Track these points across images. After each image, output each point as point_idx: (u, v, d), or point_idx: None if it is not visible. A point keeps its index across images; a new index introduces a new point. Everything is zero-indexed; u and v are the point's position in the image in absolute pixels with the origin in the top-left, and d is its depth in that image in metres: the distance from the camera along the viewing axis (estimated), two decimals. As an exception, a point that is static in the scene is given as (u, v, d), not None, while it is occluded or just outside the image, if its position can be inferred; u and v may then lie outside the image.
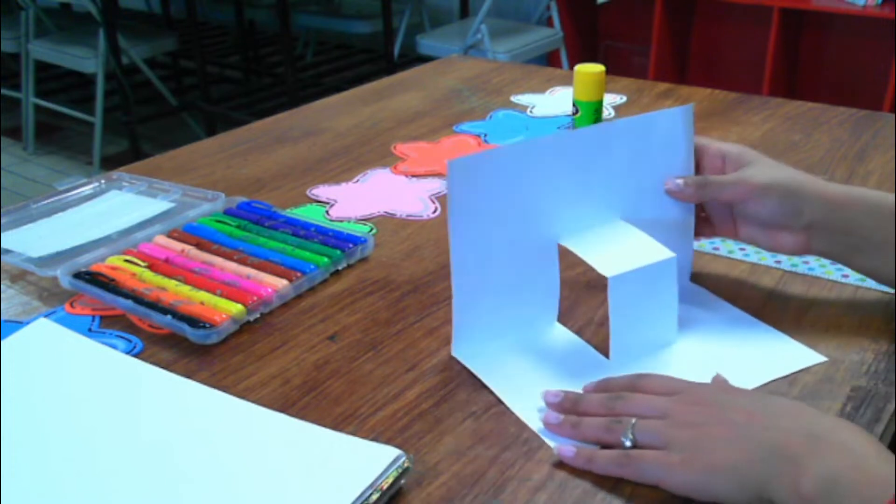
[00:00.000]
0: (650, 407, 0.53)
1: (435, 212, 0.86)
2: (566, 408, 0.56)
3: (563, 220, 0.64)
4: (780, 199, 0.62)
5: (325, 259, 0.73)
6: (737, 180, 0.64)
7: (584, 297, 0.69)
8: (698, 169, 0.67)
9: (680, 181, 0.65)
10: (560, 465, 0.52)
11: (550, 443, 0.54)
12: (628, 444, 0.51)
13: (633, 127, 0.65)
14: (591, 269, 0.60)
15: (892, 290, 0.68)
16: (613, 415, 0.53)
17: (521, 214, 0.62)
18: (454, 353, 0.62)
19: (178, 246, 0.76)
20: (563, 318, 0.67)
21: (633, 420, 0.52)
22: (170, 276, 0.71)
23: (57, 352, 0.63)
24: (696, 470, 0.48)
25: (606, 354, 0.62)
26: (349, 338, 0.65)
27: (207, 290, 0.68)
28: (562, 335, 0.65)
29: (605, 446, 0.53)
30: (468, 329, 0.62)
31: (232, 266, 0.72)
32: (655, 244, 0.63)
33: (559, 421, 0.54)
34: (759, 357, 0.62)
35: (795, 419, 0.49)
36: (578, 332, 0.65)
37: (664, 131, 0.66)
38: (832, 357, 0.61)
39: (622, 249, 0.63)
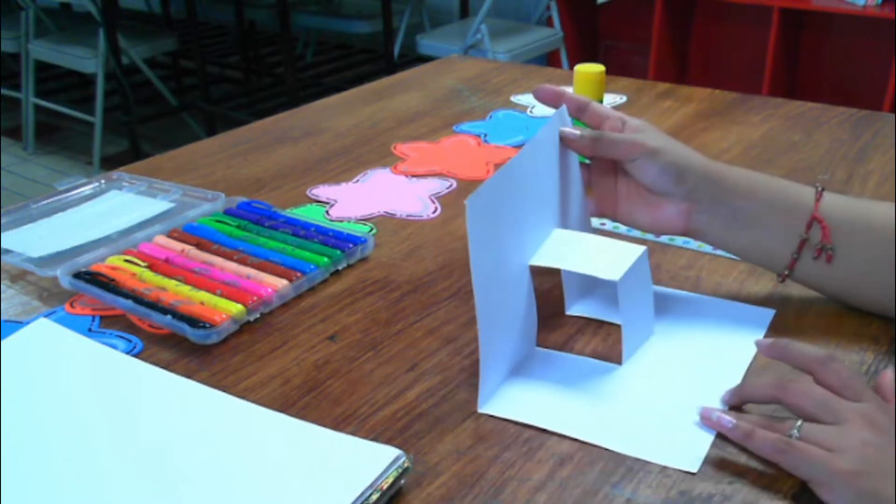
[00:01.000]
0: (825, 407, 0.51)
1: (435, 212, 0.86)
2: (735, 402, 0.56)
3: (527, 238, 0.61)
4: (666, 163, 0.64)
5: (325, 259, 0.73)
6: (631, 140, 0.65)
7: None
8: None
9: (577, 131, 0.66)
10: (560, 464, 0.52)
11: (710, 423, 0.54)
12: (795, 434, 0.51)
13: (546, 136, 0.64)
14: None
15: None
16: (784, 396, 0.53)
17: (510, 240, 0.59)
18: (481, 410, 0.57)
19: (178, 246, 0.76)
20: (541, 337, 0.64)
21: (799, 422, 0.51)
22: (170, 276, 0.71)
23: (57, 352, 0.63)
24: (859, 489, 0.47)
25: (605, 359, 0.62)
26: (349, 338, 0.65)
27: (207, 290, 0.68)
28: (554, 356, 0.63)
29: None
30: (492, 380, 0.58)
31: (232, 266, 0.72)
32: (615, 242, 0.64)
33: (732, 424, 0.53)
34: (729, 326, 0.65)
35: None
36: (563, 347, 0.64)
37: (555, 136, 0.65)
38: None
39: (595, 254, 0.62)
